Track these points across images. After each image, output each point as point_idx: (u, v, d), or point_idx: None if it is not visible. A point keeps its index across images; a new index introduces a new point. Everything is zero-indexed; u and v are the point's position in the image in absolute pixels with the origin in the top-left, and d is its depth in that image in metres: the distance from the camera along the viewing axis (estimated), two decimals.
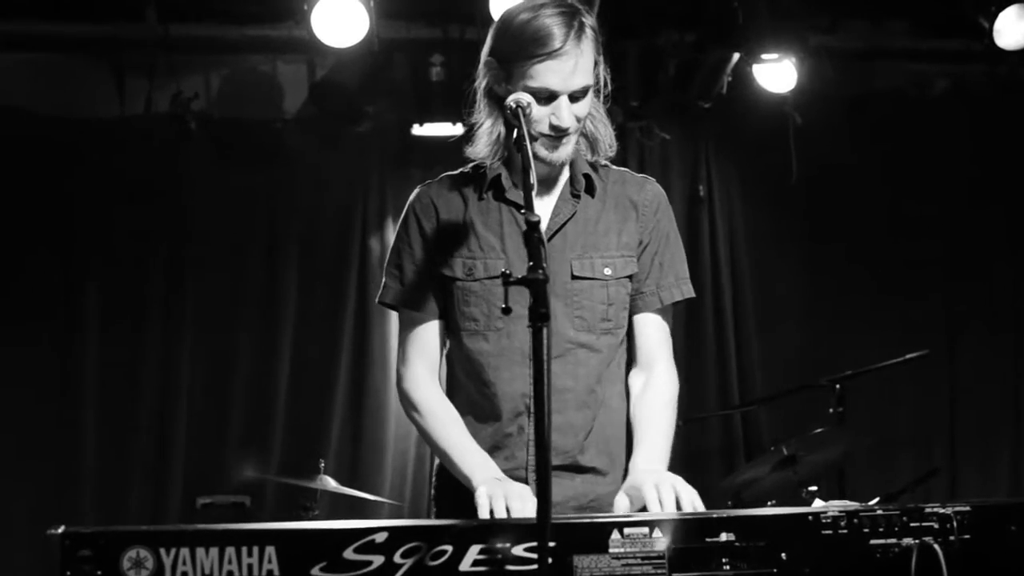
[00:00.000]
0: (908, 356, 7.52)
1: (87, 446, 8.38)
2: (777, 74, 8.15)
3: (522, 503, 3.46)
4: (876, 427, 8.67)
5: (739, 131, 8.97)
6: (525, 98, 3.60)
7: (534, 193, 3.28)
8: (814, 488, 6.60)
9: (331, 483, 7.28)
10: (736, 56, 8.06)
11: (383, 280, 4.07)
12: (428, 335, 3.98)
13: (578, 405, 3.87)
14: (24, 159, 8.34)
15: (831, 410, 7.37)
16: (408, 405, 3.98)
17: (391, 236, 8.53)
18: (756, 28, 7.61)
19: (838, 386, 7.38)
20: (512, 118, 3.57)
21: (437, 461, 4.05)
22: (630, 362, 4.03)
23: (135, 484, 8.46)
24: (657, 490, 3.48)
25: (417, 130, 8.41)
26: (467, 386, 3.94)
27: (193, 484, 8.38)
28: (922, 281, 9.19)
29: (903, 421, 9.16)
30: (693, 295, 4.08)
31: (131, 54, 8.38)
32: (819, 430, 7.09)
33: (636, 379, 4.00)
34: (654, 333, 4.02)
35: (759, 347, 9.05)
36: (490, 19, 7.08)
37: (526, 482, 3.71)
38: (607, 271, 3.90)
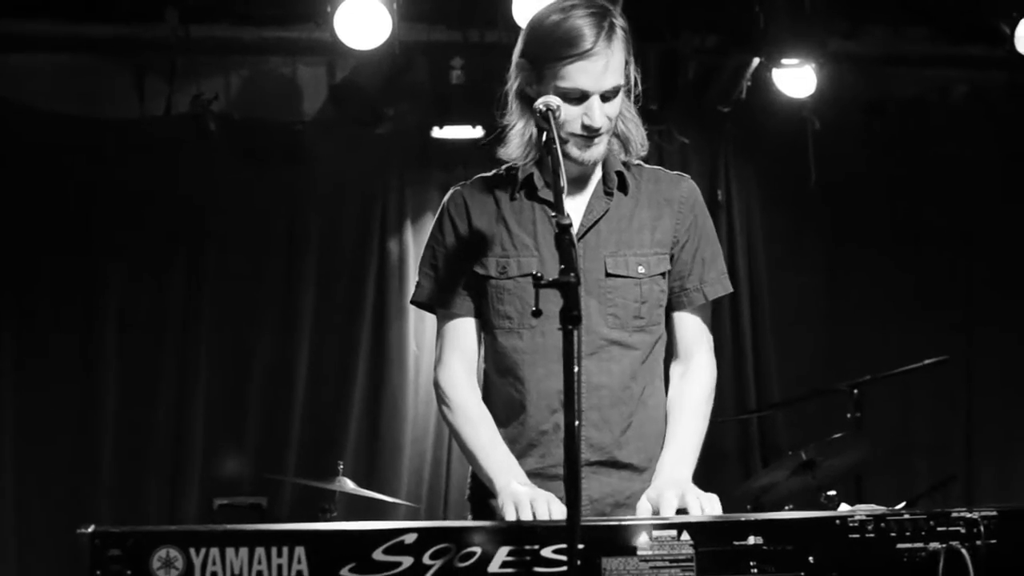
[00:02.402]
0: (926, 361, 7.51)
1: (105, 446, 8.39)
2: (797, 79, 8.13)
3: (547, 507, 3.48)
4: (893, 432, 8.69)
5: (758, 135, 8.97)
6: (555, 101, 3.61)
7: (566, 193, 3.30)
8: (833, 493, 6.60)
9: (349, 485, 7.29)
10: (756, 61, 8.05)
11: (417, 280, 4.10)
12: (464, 333, 3.99)
13: (613, 401, 3.88)
14: (45, 159, 8.34)
15: (849, 415, 7.37)
16: (441, 402, 3.99)
17: (410, 238, 8.61)
18: (777, 33, 7.61)
19: (856, 391, 7.38)
20: (542, 120, 3.56)
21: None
22: (669, 358, 4.05)
23: (152, 485, 8.47)
24: (682, 502, 3.52)
25: (437, 133, 8.41)
26: (502, 384, 3.94)
27: (210, 485, 8.40)
28: (941, 286, 9.19)
29: (920, 426, 9.16)
30: (732, 290, 4.12)
31: (151, 55, 8.39)
32: (838, 435, 7.09)
33: (675, 369, 4.04)
34: (695, 327, 4.04)
35: (776, 351, 9.04)
36: (512, 22, 7.14)
37: (561, 480, 3.71)
38: (641, 269, 3.91)
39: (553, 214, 3.27)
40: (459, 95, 8.27)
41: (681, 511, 3.49)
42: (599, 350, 3.87)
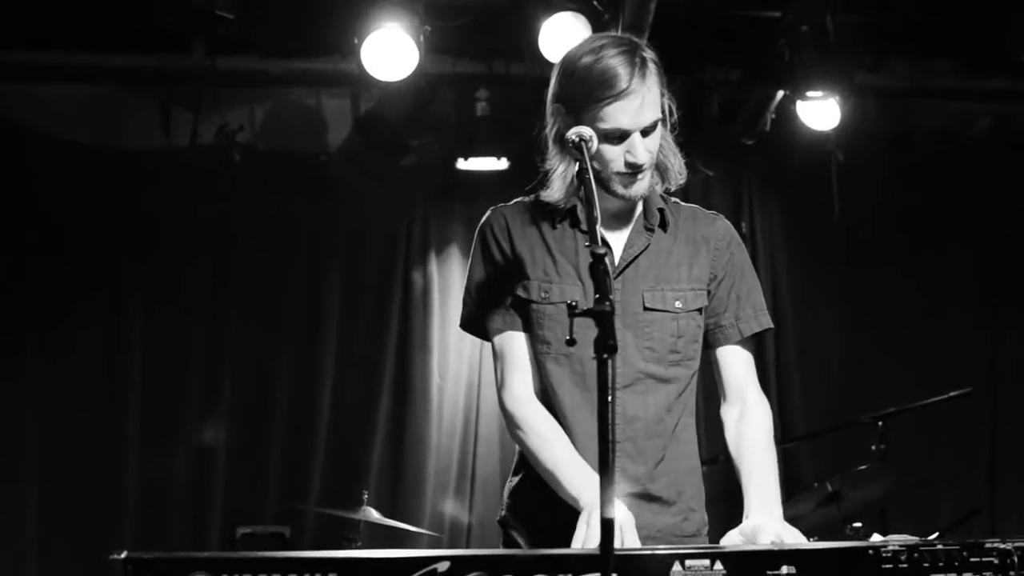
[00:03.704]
0: (951, 394, 7.49)
1: (127, 477, 8.39)
2: (821, 112, 8.13)
3: (619, 535, 3.46)
4: (917, 464, 8.65)
5: (782, 168, 8.98)
6: (587, 131, 3.62)
7: (608, 226, 3.30)
8: (859, 524, 6.58)
9: (374, 514, 7.30)
10: (780, 93, 8.06)
11: (465, 304, 4.09)
12: (520, 349, 3.98)
13: (647, 434, 3.90)
14: (70, 189, 8.38)
15: (874, 447, 7.35)
16: (512, 424, 3.97)
17: (434, 269, 8.62)
18: (802, 66, 7.62)
19: (880, 423, 7.36)
20: (575, 151, 3.58)
21: (510, 483, 4.08)
22: (707, 396, 4.07)
23: (174, 515, 8.47)
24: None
25: (462, 164, 8.44)
26: (548, 402, 3.94)
27: (233, 514, 8.40)
28: (965, 318, 9.17)
29: (944, 459, 9.12)
30: (771, 326, 4.12)
31: (178, 86, 8.42)
32: (863, 467, 7.07)
33: (730, 412, 4.03)
34: (739, 365, 4.06)
35: (800, 383, 9.03)
36: (538, 54, 7.17)
37: None
38: (678, 304, 3.93)
39: (587, 244, 3.27)
40: (484, 127, 8.31)
41: None
42: (635, 383, 3.89)
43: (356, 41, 7.40)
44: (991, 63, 8.67)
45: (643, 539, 3.77)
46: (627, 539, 3.50)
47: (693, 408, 4.04)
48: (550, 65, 3.98)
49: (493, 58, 8.34)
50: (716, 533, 3.84)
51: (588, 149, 3.58)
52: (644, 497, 3.88)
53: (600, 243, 3.21)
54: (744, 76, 8.29)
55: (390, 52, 7.36)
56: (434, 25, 7.47)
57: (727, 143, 8.53)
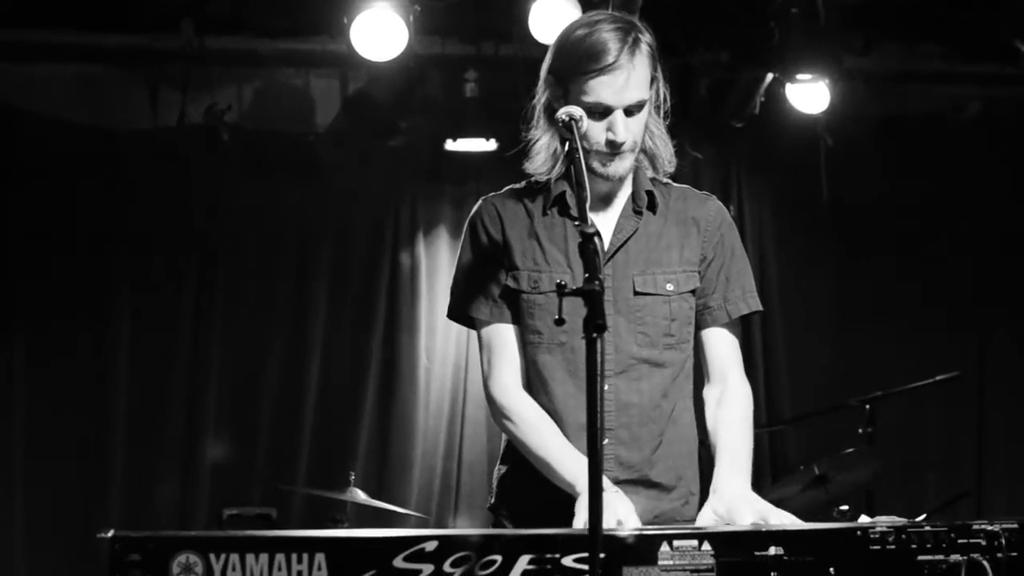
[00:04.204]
0: (938, 377, 7.50)
1: (115, 458, 8.39)
2: (810, 95, 8.13)
3: (612, 519, 3.47)
4: (904, 448, 8.68)
5: (771, 151, 8.97)
6: (577, 111, 3.60)
7: (595, 209, 3.29)
8: (846, 508, 6.60)
9: (361, 495, 7.29)
10: (770, 76, 8.05)
11: (452, 294, 4.08)
12: (508, 341, 3.96)
13: (643, 420, 3.88)
14: (57, 168, 8.35)
15: (860, 430, 7.36)
16: (499, 413, 3.96)
17: (422, 251, 8.61)
18: (792, 48, 7.60)
19: (868, 406, 7.36)
20: (564, 131, 3.57)
21: (498, 472, 4.08)
22: (700, 377, 4.03)
23: (161, 496, 8.46)
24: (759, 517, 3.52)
25: (450, 145, 8.43)
26: (537, 396, 3.92)
27: (219, 496, 8.40)
28: (953, 302, 9.18)
29: (931, 442, 9.15)
30: (760, 308, 4.08)
31: (165, 66, 8.40)
32: (850, 450, 7.08)
33: (711, 393, 4.02)
34: (723, 347, 4.03)
35: (787, 366, 9.05)
36: (528, 36, 7.17)
37: None
38: (669, 287, 3.91)
39: (576, 224, 3.26)
40: (473, 108, 8.30)
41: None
42: (629, 368, 3.87)
43: (345, 21, 7.39)
44: (982, 47, 8.68)
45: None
46: (629, 525, 3.48)
47: (690, 391, 4.02)
48: (540, 46, 4.00)
49: (483, 39, 8.33)
50: None
51: (578, 129, 3.56)
52: (643, 483, 3.88)
53: (589, 224, 3.20)
54: (733, 58, 8.28)
55: (379, 32, 7.35)
56: (424, 4, 7.45)
57: (716, 126, 8.51)
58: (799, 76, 7.83)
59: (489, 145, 8.26)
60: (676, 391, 3.95)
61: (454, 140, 8.40)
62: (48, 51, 8.27)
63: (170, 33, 8.08)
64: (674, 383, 3.94)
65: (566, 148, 3.58)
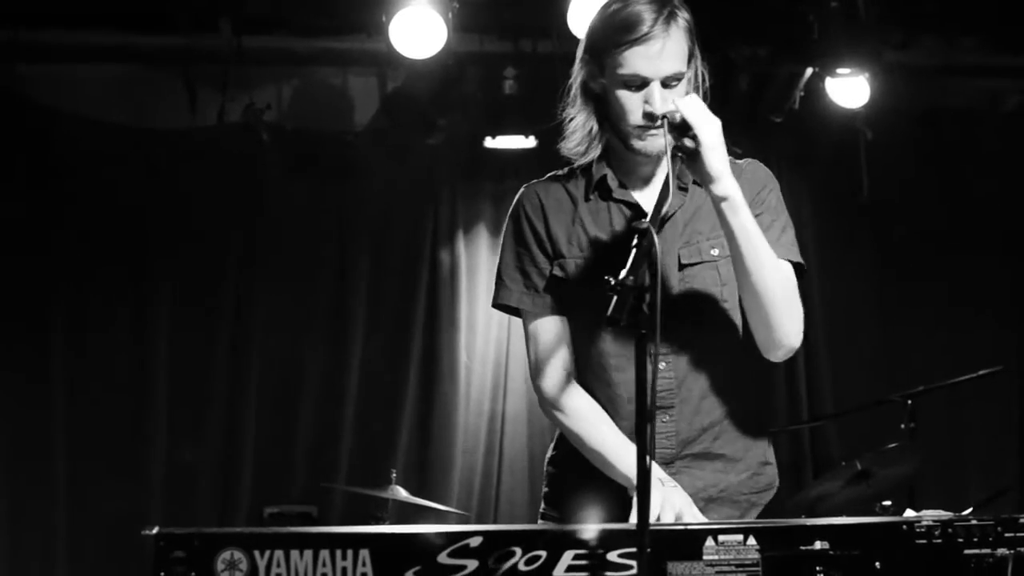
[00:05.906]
0: (981, 372, 7.45)
1: (155, 455, 8.44)
2: (850, 89, 8.09)
3: (671, 514, 3.47)
4: (947, 443, 8.64)
5: (810, 146, 8.92)
6: (643, 223, 3.25)
7: (633, 190, 3.26)
8: (888, 503, 6.56)
9: (402, 493, 7.31)
10: (809, 71, 8.03)
11: (497, 283, 4.02)
12: (557, 332, 3.92)
13: (703, 393, 3.83)
14: (97, 168, 8.40)
15: (903, 426, 7.31)
16: (549, 406, 3.92)
17: (462, 248, 8.61)
18: (831, 42, 7.58)
19: (910, 402, 7.32)
20: (640, 237, 3.22)
21: (549, 459, 4.05)
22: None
23: (202, 494, 8.51)
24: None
25: (489, 143, 8.42)
26: (593, 385, 3.89)
27: (260, 494, 8.42)
28: (994, 296, 9.12)
29: (973, 437, 9.10)
30: (801, 261, 3.87)
31: (204, 65, 8.42)
32: (892, 445, 7.04)
33: None
34: None
35: (829, 362, 9.00)
36: (566, 32, 7.15)
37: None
38: (715, 251, 3.83)
39: (633, 223, 3.21)
40: (511, 105, 8.28)
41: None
42: (685, 344, 3.81)
43: (384, 19, 7.39)
44: (1021, 40, 8.63)
45: (705, 500, 3.76)
46: (688, 519, 3.47)
47: (750, 360, 3.89)
48: (578, 42, 3.94)
49: (521, 36, 8.32)
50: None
51: (652, 237, 3.18)
52: (705, 457, 3.84)
53: (644, 223, 3.15)
54: (773, 53, 8.25)
55: (418, 30, 7.36)
56: (462, 1, 7.45)
57: (755, 121, 8.50)
58: (839, 70, 7.79)
59: (528, 142, 8.25)
60: (735, 360, 3.88)
61: (493, 138, 8.39)
62: (88, 52, 8.31)
63: (209, 33, 8.11)
64: (732, 351, 3.87)
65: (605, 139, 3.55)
